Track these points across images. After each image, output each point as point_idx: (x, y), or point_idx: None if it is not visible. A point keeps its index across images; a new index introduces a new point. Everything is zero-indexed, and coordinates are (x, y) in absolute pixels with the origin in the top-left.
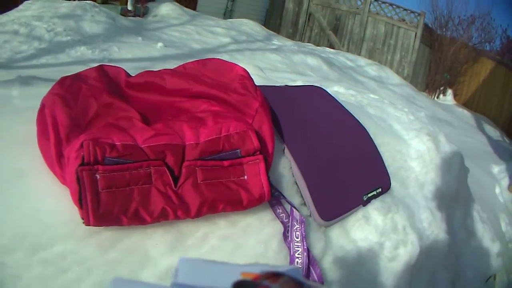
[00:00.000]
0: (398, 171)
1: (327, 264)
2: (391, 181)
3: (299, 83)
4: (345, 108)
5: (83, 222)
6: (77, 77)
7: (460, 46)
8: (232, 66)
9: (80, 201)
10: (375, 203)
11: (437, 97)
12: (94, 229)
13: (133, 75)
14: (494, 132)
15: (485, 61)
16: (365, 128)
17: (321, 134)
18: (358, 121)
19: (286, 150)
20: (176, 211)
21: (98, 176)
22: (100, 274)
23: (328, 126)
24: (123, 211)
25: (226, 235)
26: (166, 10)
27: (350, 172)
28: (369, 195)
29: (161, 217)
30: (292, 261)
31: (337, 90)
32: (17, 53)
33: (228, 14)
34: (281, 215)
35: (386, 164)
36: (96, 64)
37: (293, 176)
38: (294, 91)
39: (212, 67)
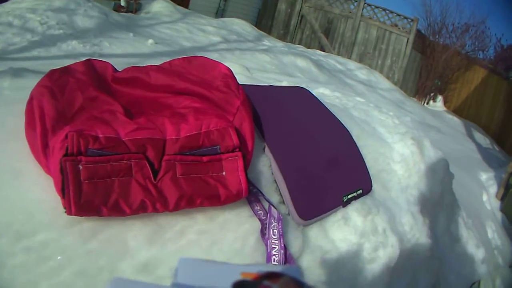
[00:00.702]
0: (380, 173)
1: (305, 263)
2: (373, 183)
3: (285, 83)
4: (328, 110)
5: (65, 212)
6: (65, 70)
7: (452, 53)
8: (216, 64)
9: (62, 191)
10: (355, 204)
11: (427, 103)
12: (76, 219)
13: (120, 70)
14: (484, 140)
15: (477, 69)
16: (347, 130)
17: (302, 134)
18: (341, 122)
19: (267, 148)
20: (155, 203)
21: (81, 167)
22: (81, 263)
23: (310, 126)
24: (103, 202)
25: (204, 230)
26: (159, 7)
27: (330, 173)
28: (349, 196)
29: (140, 209)
30: (269, 258)
31: (323, 92)
32: (10, 44)
33: (220, 13)
34: (259, 212)
35: (368, 166)
36: (86, 58)
37: (273, 174)
38: (278, 90)
39: (196, 64)
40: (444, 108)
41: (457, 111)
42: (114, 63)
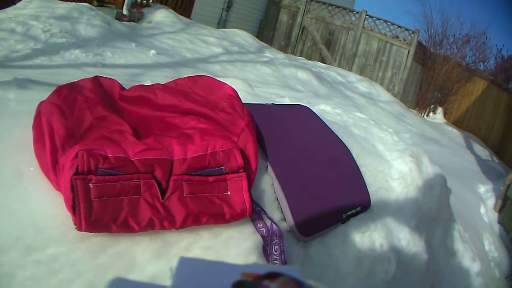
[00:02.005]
0: (379, 190)
1: (306, 278)
2: (371, 200)
3: (286, 100)
4: (329, 128)
5: (76, 228)
6: (73, 87)
7: (453, 65)
8: (221, 85)
9: (73, 208)
10: (354, 221)
11: (427, 115)
12: (85, 234)
13: (127, 88)
14: (483, 152)
15: (477, 80)
16: (348, 149)
17: (304, 152)
18: (342, 141)
19: (269, 168)
20: (163, 221)
21: (91, 186)
22: (90, 277)
23: (312, 145)
24: (113, 219)
25: (209, 246)
26: (161, 16)
27: (331, 191)
28: (348, 213)
29: (148, 227)
30: None
31: (324, 108)
32: (13, 52)
33: (222, 23)
34: (261, 229)
35: (367, 183)
36: (89, 68)
37: (275, 192)
38: (281, 109)
39: (202, 84)
40: (444, 120)
41: (457, 123)
42: (117, 73)
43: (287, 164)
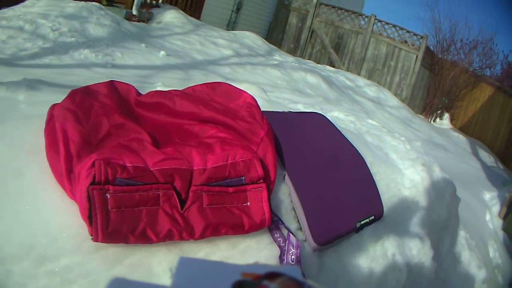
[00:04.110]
0: (391, 199)
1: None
2: (384, 209)
3: (300, 106)
4: (344, 137)
5: (92, 238)
6: (88, 92)
7: (460, 70)
8: (240, 93)
9: (90, 219)
10: (367, 230)
11: (434, 121)
12: (101, 245)
13: (143, 94)
14: (488, 158)
15: (484, 86)
16: (362, 157)
17: (320, 161)
18: (357, 150)
19: (287, 177)
20: (182, 232)
21: (108, 196)
22: None
23: (328, 154)
24: (131, 230)
25: (226, 257)
26: (170, 17)
27: (345, 200)
28: (362, 222)
29: (167, 238)
30: None
31: (337, 116)
32: (21, 50)
33: (231, 25)
34: (278, 239)
35: (380, 192)
36: (98, 69)
37: (292, 202)
38: (297, 117)
39: (220, 92)
40: (451, 126)
41: (463, 129)
42: (127, 74)
43: (304, 173)
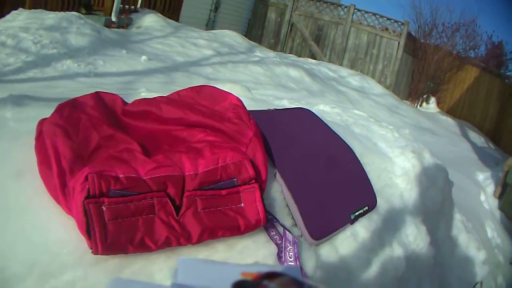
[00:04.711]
0: (384, 188)
1: (318, 280)
2: (377, 198)
3: (285, 102)
4: (332, 130)
5: (92, 252)
6: (75, 105)
7: (444, 54)
8: (225, 94)
9: (88, 232)
10: (362, 221)
11: (420, 105)
12: (101, 257)
13: (129, 103)
14: (478, 139)
15: (469, 68)
16: (351, 149)
17: (310, 156)
18: (345, 142)
19: (278, 174)
20: (179, 238)
21: (104, 208)
22: None
23: (317, 148)
24: (129, 240)
25: (225, 258)
26: (150, 21)
27: (338, 193)
28: (356, 213)
29: (165, 245)
30: None
31: (323, 109)
32: (5, 65)
33: (210, 24)
34: (274, 237)
35: (372, 182)
36: (82, 78)
37: (285, 199)
38: (283, 114)
39: (205, 95)
40: (438, 110)
41: (451, 112)
42: (110, 82)
43: (294, 170)
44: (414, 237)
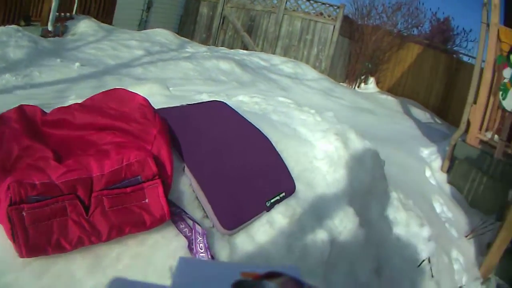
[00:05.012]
0: (303, 173)
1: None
2: (296, 184)
3: (204, 96)
4: (246, 120)
5: (18, 255)
6: (1, 120)
7: (383, 34)
8: (133, 96)
9: (13, 237)
10: (279, 208)
11: (358, 86)
12: (27, 260)
13: (48, 112)
14: (424, 115)
15: (411, 46)
16: (266, 137)
17: (222, 148)
18: (259, 130)
19: (186, 169)
20: (90, 237)
21: (24, 214)
22: None
23: (230, 140)
24: (47, 242)
25: (137, 253)
26: (84, 27)
27: (251, 181)
28: (272, 200)
29: (79, 244)
30: None
31: (242, 99)
32: None
33: (143, 25)
34: (184, 230)
35: (290, 168)
36: (19, 91)
37: (194, 192)
38: (196, 109)
39: (115, 97)
40: (377, 89)
41: (392, 91)
42: (45, 92)
43: (204, 162)
44: (340, 219)
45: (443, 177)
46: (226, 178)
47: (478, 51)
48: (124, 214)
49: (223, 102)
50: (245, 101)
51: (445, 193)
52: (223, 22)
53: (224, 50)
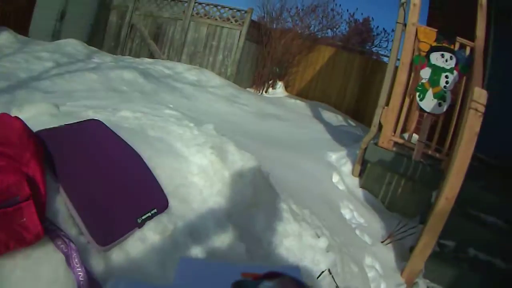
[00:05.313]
0: (178, 189)
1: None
2: (170, 200)
3: (90, 112)
4: (120, 139)
5: None
6: None
7: (292, 37)
8: (12, 120)
9: None
10: (150, 224)
11: (266, 91)
12: None
13: None
14: (335, 118)
15: (322, 48)
16: (138, 154)
17: (95, 168)
18: (132, 148)
19: (61, 188)
20: None
21: None
22: None
23: (103, 159)
24: None
25: (26, 267)
26: (1, 39)
27: (123, 199)
28: (144, 217)
29: None
30: (78, 284)
31: (124, 115)
32: None
33: (56, 35)
34: (61, 246)
35: (163, 184)
36: None
37: (68, 210)
38: (73, 129)
39: None
40: (286, 94)
41: (302, 94)
42: None
43: (78, 182)
44: (216, 233)
45: (354, 181)
46: (99, 197)
47: (391, 52)
48: (8, 231)
49: (98, 121)
50: (126, 117)
51: (356, 198)
52: (131, 30)
53: (129, 59)
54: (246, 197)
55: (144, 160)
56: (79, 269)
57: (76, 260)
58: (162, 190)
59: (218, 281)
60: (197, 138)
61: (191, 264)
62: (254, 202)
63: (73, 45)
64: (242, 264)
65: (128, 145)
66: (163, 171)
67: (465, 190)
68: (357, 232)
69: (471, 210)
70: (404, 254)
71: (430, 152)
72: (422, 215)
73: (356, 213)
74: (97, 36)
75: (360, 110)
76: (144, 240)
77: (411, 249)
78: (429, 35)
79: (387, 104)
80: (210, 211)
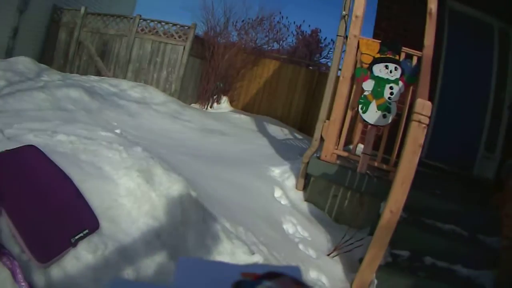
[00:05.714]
0: (108, 210)
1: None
2: (100, 221)
3: (30, 136)
4: (53, 163)
5: None
6: None
7: (236, 51)
8: None
9: None
10: (83, 244)
11: (211, 107)
12: None
13: None
14: (281, 132)
15: (267, 62)
16: (70, 179)
17: (32, 191)
18: (64, 173)
19: (3, 210)
20: None
21: None
22: None
23: (39, 184)
24: None
25: None
26: None
27: (57, 221)
28: (77, 237)
29: None
30: None
31: (60, 139)
32: None
33: (9, 52)
34: (6, 262)
35: (94, 206)
36: None
37: (11, 230)
38: (11, 156)
39: None
40: (231, 108)
41: (247, 109)
42: None
43: (17, 205)
44: (146, 252)
45: (298, 195)
46: (36, 218)
47: (332, 65)
48: None
49: (34, 147)
50: (62, 141)
51: (300, 212)
52: (79, 47)
53: (76, 77)
54: (175, 217)
55: (75, 183)
56: (23, 284)
57: (19, 275)
58: (92, 212)
59: (218, 281)
60: (125, 161)
61: (190, 264)
62: (183, 221)
63: (24, 63)
64: (242, 264)
65: (61, 169)
66: (93, 194)
67: (418, 200)
68: (300, 246)
69: (425, 219)
70: (353, 266)
71: (376, 164)
72: (372, 226)
73: (300, 227)
74: (47, 53)
75: (307, 122)
76: (79, 259)
77: (361, 260)
78: (372, 47)
79: (328, 117)
80: (139, 231)
